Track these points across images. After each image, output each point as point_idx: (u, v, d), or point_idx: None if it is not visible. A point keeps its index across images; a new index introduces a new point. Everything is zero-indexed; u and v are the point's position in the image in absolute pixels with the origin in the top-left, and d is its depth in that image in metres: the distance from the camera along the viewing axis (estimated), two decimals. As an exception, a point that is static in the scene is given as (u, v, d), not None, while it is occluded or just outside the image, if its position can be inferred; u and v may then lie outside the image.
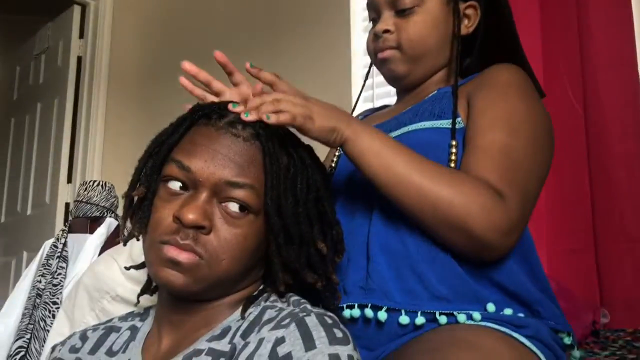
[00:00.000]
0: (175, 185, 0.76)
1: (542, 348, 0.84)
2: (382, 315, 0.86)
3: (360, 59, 2.34)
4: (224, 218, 0.74)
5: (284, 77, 0.97)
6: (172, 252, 0.72)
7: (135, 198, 0.81)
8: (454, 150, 0.91)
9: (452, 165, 0.90)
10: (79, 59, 3.19)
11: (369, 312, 0.87)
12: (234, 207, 0.75)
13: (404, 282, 0.87)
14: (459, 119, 0.94)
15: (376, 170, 0.85)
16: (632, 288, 1.66)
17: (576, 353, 0.92)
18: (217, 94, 0.97)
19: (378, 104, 2.10)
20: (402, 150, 0.86)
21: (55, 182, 3.03)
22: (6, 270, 3.23)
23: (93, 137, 3.07)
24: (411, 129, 0.97)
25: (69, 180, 3.06)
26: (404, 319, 0.85)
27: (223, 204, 0.75)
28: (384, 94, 2.18)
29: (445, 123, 0.95)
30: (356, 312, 0.88)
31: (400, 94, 1.15)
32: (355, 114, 1.19)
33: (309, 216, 0.80)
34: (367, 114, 1.22)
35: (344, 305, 0.89)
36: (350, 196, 0.99)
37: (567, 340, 0.90)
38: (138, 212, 0.81)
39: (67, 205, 3.00)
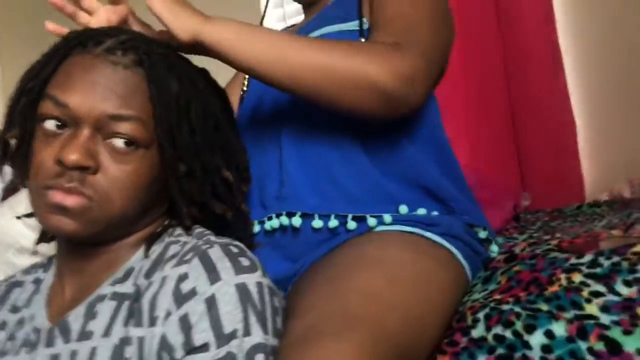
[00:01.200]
0: (52, 124, 0.69)
1: (456, 244, 0.85)
2: (297, 220, 0.85)
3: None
4: (111, 155, 0.69)
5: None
6: (58, 197, 0.67)
7: (12, 142, 0.74)
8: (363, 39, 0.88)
9: None
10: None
11: (284, 220, 0.86)
12: (120, 142, 0.69)
13: (318, 186, 0.87)
14: (364, 19, 0.91)
15: (259, 55, 0.78)
16: (551, 168, 1.71)
17: (494, 247, 0.94)
18: (89, 12, 0.87)
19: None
20: (275, 32, 0.82)
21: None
22: None
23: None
24: (316, 35, 0.93)
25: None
26: (317, 223, 0.85)
27: (108, 140, 0.69)
28: (296, 12, 2.10)
29: (352, 25, 0.92)
30: (275, 222, 0.87)
31: (306, 9, 1.10)
32: None
33: (210, 145, 0.76)
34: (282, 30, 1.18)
35: (265, 219, 0.88)
36: (259, 119, 0.96)
37: (483, 235, 0.92)
38: (17, 156, 0.74)
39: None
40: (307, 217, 0.86)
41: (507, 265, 0.86)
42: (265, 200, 0.90)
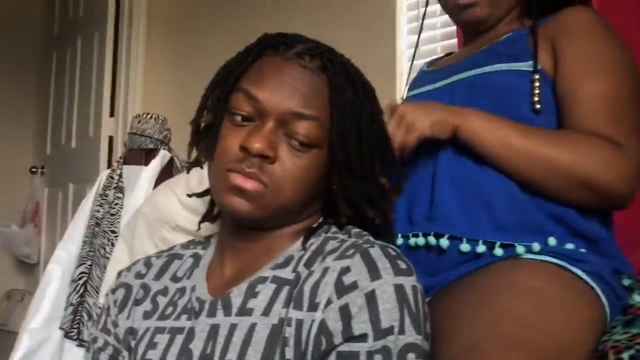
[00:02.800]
0: (241, 115, 0.76)
1: (602, 285, 0.85)
2: (444, 242, 0.88)
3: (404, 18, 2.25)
4: (289, 149, 0.75)
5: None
6: (239, 179, 0.74)
7: (202, 126, 0.82)
8: (537, 84, 0.91)
9: (536, 99, 0.91)
10: (118, -9, 3.17)
11: (431, 240, 0.90)
12: (299, 139, 0.75)
13: (468, 210, 0.89)
14: (539, 64, 0.94)
15: (492, 145, 0.87)
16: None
17: (636, 297, 0.92)
18: None
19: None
20: (512, 123, 0.88)
21: (98, 116, 3.06)
22: (53, 201, 3.32)
23: (134, 70, 3.08)
24: (487, 71, 0.96)
25: (112, 114, 3.10)
26: (465, 247, 0.87)
27: (288, 135, 0.75)
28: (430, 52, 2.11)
29: (524, 65, 0.95)
30: (420, 240, 0.91)
31: (468, 38, 1.13)
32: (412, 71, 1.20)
33: (372, 151, 0.80)
34: (436, 59, 1.21)
35: (410, 234, 0.91)
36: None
37: (627, 282, 0.91)
38: (204, 139, 0.82)
39: (110, 138, 3.05)
40: (454, 239, 0.88)
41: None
42: (413, 217, 0.93)
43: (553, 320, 0.74)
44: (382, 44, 2.18)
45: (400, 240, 0.93)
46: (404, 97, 1.11)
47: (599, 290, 0.84)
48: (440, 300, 0.85)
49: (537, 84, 0.91)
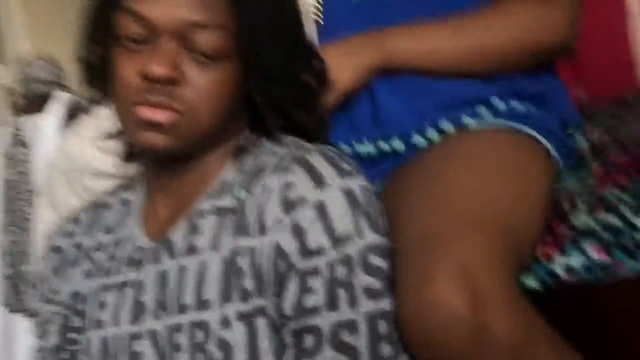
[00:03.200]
0: (131, 38, 0.67)
1: (551, 139, 0.84)
2: (397, 144, 0.84)
3: None
4: (196, 65, 0.67)
5: None
6: (147, 112, 0.66)
7: (91, 61, 0.73)
8: None
9: None
10: None
11: (384, 146, 0.86)
12: (203, 51, 0.67)
13: (410, 102, 0.85)
14: None
15: (430, 64, 0.84)
16: (603, 57, 1.66)
17: (580, 139, 0.92)
18: None
19: None
20: (438, 27, 0.84)
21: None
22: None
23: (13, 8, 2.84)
24: None
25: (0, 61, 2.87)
26: (417, 139, 0.84)
27: (191, 50, 0.67)
28: None
29: None
30: (369, 147, 0.87)
31: None
32: None
33: (290, 49, 0.73)
34: None
35: (353, 141, 0.86)
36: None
37: (572, 130, 0.91)
38: (97, 76, 0.73)
39: (4, 87, 2.83)
40: (404, 136, 0.85)
41: (595, 151, 0.85)
42: (356, 122, 0.88)
43: (504, 185, 0.72)
44: None
45: (345, 148, 0.87)
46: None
47: (547, 144, 0.83)
48: (390, 187, 0.82)
49: None
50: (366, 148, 0.87)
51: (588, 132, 1.02)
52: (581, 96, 1.53)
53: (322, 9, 1.00)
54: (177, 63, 0.66)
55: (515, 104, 0.85)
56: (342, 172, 0.66)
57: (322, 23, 0.99)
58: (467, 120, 0.83)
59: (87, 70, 0.73)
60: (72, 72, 0.76)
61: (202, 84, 0.67)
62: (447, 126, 0.83)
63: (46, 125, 1.71)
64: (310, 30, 0.98)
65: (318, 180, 0.64)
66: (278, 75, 0.72)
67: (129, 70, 0.67)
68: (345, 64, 0.82)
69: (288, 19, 0.74)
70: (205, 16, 0.66)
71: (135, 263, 0.73)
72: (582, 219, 0.72)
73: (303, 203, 0.64)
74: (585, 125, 1.15)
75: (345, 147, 0.88)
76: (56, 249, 0.82)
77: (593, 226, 0.70)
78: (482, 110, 0.84)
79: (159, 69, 0.64)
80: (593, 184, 0.77)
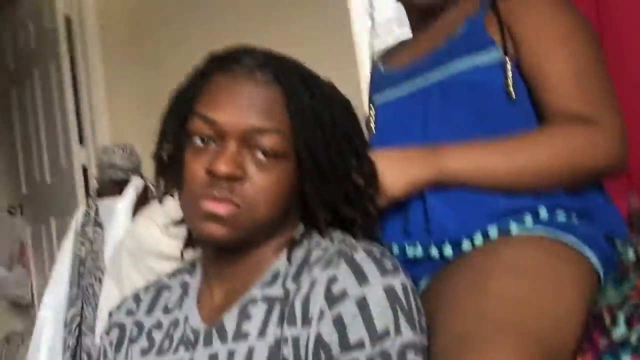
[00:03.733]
0: (200, 140, 0.75)
1: (593, 249, 0.85)
2: (448, 251, 0.88)
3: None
4: (256, 165, 0.74)
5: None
6: (210, 205, 0.73)
7: (165, 156, 0.81)
8: (509, 67, 0.91)
9: (510, 89, 0.91)
10: (67, 18, 3.11)
11: (434, 251, 0.89)
12: (263, 153, 0.74)
13: (462, 209, 0.88)
14: (497, 48, 0.93)
15: (480, 181, 0.87)
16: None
17: (630, 254, 0.93)
18: None
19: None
20: (490, 148, 0.88)
21: (68, 146, 3.02)
22: (37, 238, 3.28)
23: (96, 95, 3.04)
24: (456, 71, 0.95)
25: (81, 142, 3.06)
26: (466, 245, 0.87)
27: (253, 152, 0.74)
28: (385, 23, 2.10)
29: (488, 56, 0.94)
30: (419, 251, 0.90)
31: (419, 25, 1.10)
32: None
33: (340, 152, 0.79)
34: (387, 56, 1.18)
35: (405, 244, 0.91)
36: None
37: (619, 245, 0.92)
38: (169, 170, 0.81)
39: (83, 167, 3.01)
40: (454, 243, 0.88)
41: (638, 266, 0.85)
42: (410, 227, 0.92)
43: (542, 294, 0.74)
44: (337, 31, 2.17)
45: (396, 250, 0.92)
46: (370, 103, 1.09)
47: (591, 256, 0.85)
48: (434, 287, 0.85)
49: (509, 66, 0.91)
50: (416, 252, 0.90)
51: (636, 244, 1.03)
52: (635, 205, 1.52)
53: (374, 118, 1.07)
54: (240, 162, 0.73)
55: (560, 215, 0.88)
56: (384, 270, 0.70)
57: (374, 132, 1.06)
58: (513, 226, 0.86)
59: (160, 163, 0.82)
60: (148, 161, 0.85)
61: (261, 182, 0.74)
62: (493, 232, 0.86)
63: (120, 209, 1.83)
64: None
65: (361, 276, 0.69)
66: (329, 174, 0.78)
67: (197, 166, 0.74)
68: (399, 174, 0.87)
69: (341, 123, 0.81)
70: (266, 123, 0.74)
71: (189, 343, 0.78)
72: (620, 330, 0.73)
73: (346, 298, 0.68)
74: (634, 237, 1.16)
75: (395, 249, 0.92)
76: (118, 325, 0.87)
77: (630, 337, 0.71)
78: (528, 218, 0.86)
79: (224, 167, 0.72)
80: (633, 295, 0.78)
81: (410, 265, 0.89)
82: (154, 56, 2.86)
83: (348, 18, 2.14)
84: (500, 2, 0.96)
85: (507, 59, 0.92)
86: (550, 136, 0.88)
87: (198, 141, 0.75)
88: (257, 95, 0.75)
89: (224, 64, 0.78)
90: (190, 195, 0.75)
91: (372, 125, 1.07)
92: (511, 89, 0.91)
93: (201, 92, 0.78)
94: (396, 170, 0.87)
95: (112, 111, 3.08)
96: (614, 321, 0.75)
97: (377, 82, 1.12)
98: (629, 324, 0.73)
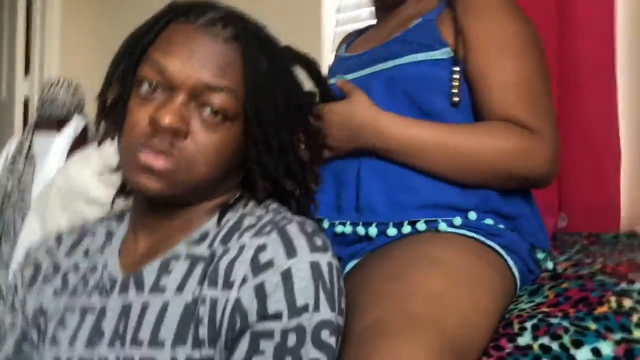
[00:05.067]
0: (148, 86, 0.73)
1: (514, 258, 0.88)
2: (373, 230, 0.90)
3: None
4: (202, 122, 0.72)
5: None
6: (148, 157, 0.71)
7: (109, 99, 0.78)
8: (456, 76, 0.93)
9: (455, 91, 0.93)
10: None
11: (360, 230, 0.91)
12: (211, 111, 0.72)
13: (393, 197, 0.90)
14: (448, 49, 0.95)
15: (412, 162, 0.90)
16: (591, 193, 1.73)
17: (549, 264, 0.98)
18: None
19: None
20: (430, 133, 0.90)
21: (11, 76, 2.90)
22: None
23: (50, 29, 2.92)
24: (402, 62, 0.96)
25: (26, 73, 2.93)
26: (391, 231, 0.89)
27: (200, 109, 0.72)
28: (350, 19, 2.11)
29: (438, 54, 0.95)
30: (348, 228, 0.92)
31: (380, 13, 1.13)
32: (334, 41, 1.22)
33: (289, 123, 0.79)
34: (352, 39, 1.20)
35: (336, 222, 0.93)
36: None
37: (541, 256, 0.96)
38: (112, 113, 0.78)
39: (25, 99, 2.89)
40: (382, 225, 0.90)
41: (554, 282, 0.89)
42: (342, 205, 0.94)
43: (460, 294, 0.76)
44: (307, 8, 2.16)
45: (326, 225, 0.94)
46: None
47: (511, 263, 0.88)
48: (358, 271, 0.87)
49: (456, 76, 0.93)
50: (345, 229, 0.92)
51: (555, 261, 1.08)
52: (561, 226, 1.59)
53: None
54: (186, 117, 0.71)
55: (489, 220, 0.90)
56: (314, 246, 0.70)
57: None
58: (442, 226, 0.88)
59: (103, 105, 0.79)
60: (94, 103, 0.82)
61: (204, 140, 0.72)
62: (422, 226, 0.88)
63: (56, 146, 1.76)
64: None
65: (290, 248, 0.69)
66: (274, 143, 0.77)
67: (141, 114, 0.72)
68: (346, 139, 0.92)
69: (295, 94, 0.80)
70: (219, 80, 0.72)
71: (104, 290, 0.77)
72: (524, 339, 0.76)
73: (271, 267, 0.68)
74: (555, 254, 1.21)
75: (326, 224, 0.94)
76: (34, 262, 0.85)
77: (534, 348, 0.74)
78: (457, 219, 0.89)
79: (168, 119, 0.70)
80: (544, 306, 0.82)
81: (341, 245, 0.91)
82: (120, 5, 2.77)
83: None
84: (456, 1, 0.97)
85: (456, 64, 0.93)
86: (487, 131, 0.90)
87: (146, 87, 0.73)
88: (214, 51, 0.73)
89: (186, 13, 0.75)
90: (129, 143, 0.73)
91: None
92: (455, 91, 0.93)
93: (158, 38, 0.75)
94: (346, 135, 0.90)
95: (64, 45, 2.96)
96: (522, 330, 0.78)
97: (336, 66, 1.14)
98: (535, 333, 0.76)
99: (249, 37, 0.75)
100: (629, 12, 1.77)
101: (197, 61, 0.72)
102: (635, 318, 0.74)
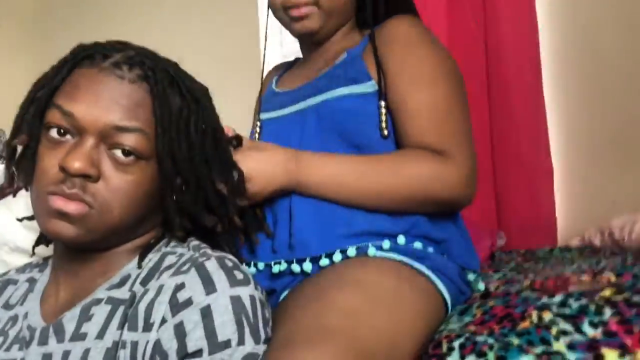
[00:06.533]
0: (56, 132, 0.72)
1: (444, 280, 0.90)
2: (308, 266, 0.90)
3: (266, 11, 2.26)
4: (113, 165, 0.72)
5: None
6: (59, 202, 0.70)
7: (19, 147, 0.77)
8: (383, 111, 0.95)
9: (383, 125, 0.95)
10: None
11: (295, 267, 0.91)
12: (122, 153, 0.72)
13: (326, 230, 0.91)
14: (373, 82, 0.98)
15: (333, 197, 0.91)
16: (527, 212, 1.78)
17: (480, 286, 0.99)
18: None
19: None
20: (343, 165, 0.91)
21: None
22: None
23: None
24: (330, 97, 0.98)
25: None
26: (324, 261, 0.89)
27: (111, 151, 0.72)
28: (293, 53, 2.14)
29: (363, 87, 0.98)
30: (283, 266, 0.92)
31: (305, 51, 1.15)
32: (265, 70, 1.25)
33: (206, 159, 0.79)
34: (281, 72, 1.22)
35: (272, 263, 0.93)
36: None
37: (471, 277, 0.97)
38: (22, 161, 0.77)
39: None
40: (315, 260, 0.90)
41: (483, 301, 0.91)
42: (275, 245, 0.94)
43: (379, 312, 0.77)
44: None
45: (261, 266, 0.94)
46: (259, 120, 1.12)
47: (440, 285, 0.89)
48: (287, 298, 0.87)
49: (383, 110, 0.95)
50: (281, 267, 0.92)
51: (489, 280, 1.10)
52: (500, 244, 1.62)
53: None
54: (96, 160, 0.71)
55: (417, 244, 0.92)
56: (234, 280, 0.70)
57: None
58: (371, 250, 0.89)
59: (12, 153, 0.78)
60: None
61: (116, 182, 0.72)
62: (352, 252, 0.89)
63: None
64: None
65: (209, 285, 0.68)
66: (190, 181, 0.77)
67: (50, 160, 0.71)
68: (262, 175, 0.90)
69: (209, 130, 0.80)
70: (128, 121, 0.72)
71: (24, 342, 0.74)
72: (452, 359, 0.77)
73: (190, 305, 0.67)
74: (490, 273, 1.23)
75: (261, 266, 0.94)
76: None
77: (461, 368, 0.75)
78: (386, 242, 0.90)
79: (77, 164, 0.69)
80: (472, 325, 0.83)
81: (274, 278, 0.91)
82: (48, 53, 2.73)
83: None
84: (378, 35, 1.01)
85: (381, 98, 0.96)
86: (402, 160, 0.92)
87: (54, 133, 0.72)
88: (121, 92, 0.72)
89: (92, 56, 0.75)
90: (40, 190, 0.72)
91: (256, 137, 1.10)
92: (383, 124, 0.95)
93: (63, 82, 0.75)
94: (260, 172, 0.89)
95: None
96: (450, 350, 0.79)
97: (268, 100, 1.15)
98: (462, 352, 0.77)
99: (158, 76, 0.75)
100: (550, 33, 1.85)
101: (103, 104, 0.71)
102: (554, 331, 0.75)
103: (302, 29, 1.05)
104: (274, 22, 1.14)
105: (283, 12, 1.05)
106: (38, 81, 0.77)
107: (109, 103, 0.72)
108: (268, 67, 1.30)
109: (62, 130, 0.72)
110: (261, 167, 0.90)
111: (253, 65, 2.09)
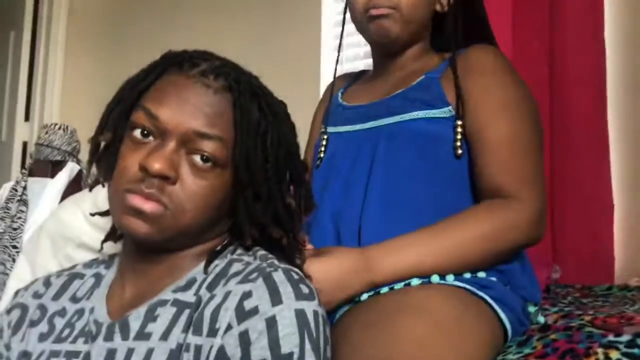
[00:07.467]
0: (140, 133, 0.74)
1: (505, 310, 0.88)
2: (364, 296, 0.88)
3: (330, 29, 2.29)
4: (191, 169, 0.73)
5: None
6: (137, 200, 0.72)
7: (102, 144, 0.80)
8: (459, 136, 0.96)
9: (458, 144, 0.96)
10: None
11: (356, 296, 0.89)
12: (201, 158, 0.74)
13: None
14: (450, 108, 0.98)
15: (415, 275, 0.88)
16: (585, 246, 1.73)
17: (540, 318, 0.98)
18: None
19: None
20: (415, 248, 0.89)
21: (12, 120, 2.94)
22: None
23: (52, 75, 2.97)
24: (405, 119, 0.99)
25: (27, 119, 2.97)
26: (384, 289, 0.88)
27: (190, 155, 0.74)
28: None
29: (439, 112, 0.98)
30: None
31: (378, 63, 1.14)
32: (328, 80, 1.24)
33: (278, 172, 0.80)
34: (347, 84, 1.22)
35: None
36: (344, 176, 1.02)
37: (532, 309, 0.96)
38: (104, 158, 0.80)
39: (24, 144, 2.92)
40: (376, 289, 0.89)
41: (543, 334, 0.89)
42: (342, 240, 0.95)
43: (444, 342, 0.76)
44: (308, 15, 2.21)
45: None
46: (326, 132, 1.12)
47: (502, 316, 0.88)
48: (342, 321, 0.86)
49: (459, 130, 0.96)
50: None
51: (546, 313, 1.08)
52: (555, 277, 1.59)
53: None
54: (175, 163, 0.73)
55: (481, 273, 0.91)
56: (300, 294, 0.70)
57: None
58: (434, 278, 0.88)
59: (95, 149, 0.80)
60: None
61: (193, 187, 0.73)
62: (416, 282, 0.88)
63: (49, 190, 1.77)
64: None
65: (275, 296, 0.69)
66: (263, 192, 0.78)
67: (132, 159, 0.74)
68: (335, 292, 0.86)
69: (285, 144, 0.81)
70: (209, 129, 0.74)
71: (89, 336, 0.76)
72: (512, 391, 0.75)
73: (255, 314, 0.68)
74: (547, 306, 1.20)
75: None
76: (20, 306, 0.85)
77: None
78: (450, 275, 0.89)
79: (157, 165, 0.71)
80: (531, 357, 0.81)
81: None
82: (119, 47, 2.83)
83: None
84: (458, 61, 1.00)
85: (457, 120, 0.96)
86: (475, 221, 0.91)
87: (138, 134, 0.74)
88: (205, 100, 0.75)
89: (180, 63, 0.78)
90: (119, 187, 0.74)
91: (322, 149, 1.10)
92: (458, 144, 0.95)
93: (151, 86, 0.77)
94: (330, 282, 0.86)
95: (64, 93, 3.01)
96: (508, 381, 0.77)
97: (335, 114, 1.14)
98: (522, 386, 0.75)
99: (241, 88, 0.77)
100: (617, 68, 1.81)
101: (188, 110, 0.74)
102: (622, 370, 0.73)
103: (379, 30, 1.04)
104: (334, 41, 1.15)
105: (363, 13, 1.05)
106: (126, 82, 0.80)
107: (193, 109, 0.74)
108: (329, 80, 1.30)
109: (145, 132, 0.74)
110: (331, 276, 0.86)
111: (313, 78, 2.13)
